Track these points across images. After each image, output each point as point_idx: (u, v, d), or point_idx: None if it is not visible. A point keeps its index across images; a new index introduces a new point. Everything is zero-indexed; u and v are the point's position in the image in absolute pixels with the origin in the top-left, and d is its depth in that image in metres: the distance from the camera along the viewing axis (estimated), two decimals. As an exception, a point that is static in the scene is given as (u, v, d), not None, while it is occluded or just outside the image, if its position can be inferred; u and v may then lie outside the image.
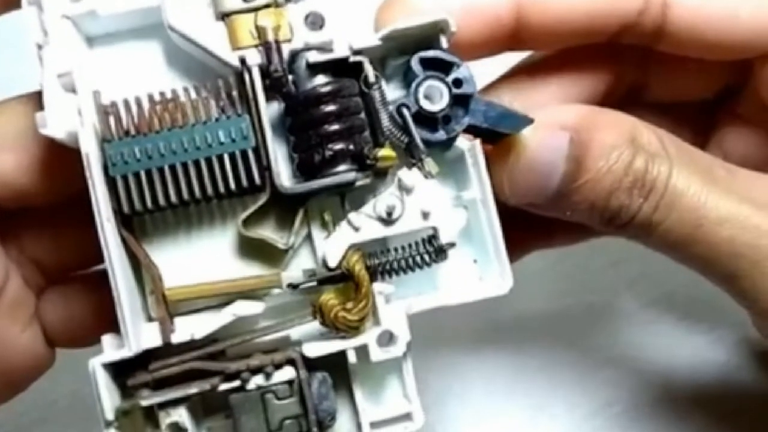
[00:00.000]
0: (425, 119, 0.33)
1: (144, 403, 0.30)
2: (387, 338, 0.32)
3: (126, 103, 0.31)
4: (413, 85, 0.32)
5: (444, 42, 0.33)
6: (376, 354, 0.32)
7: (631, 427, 0.46)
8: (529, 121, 0.33)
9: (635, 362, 0.47)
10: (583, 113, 0.33)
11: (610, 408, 0.46)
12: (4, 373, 0.35)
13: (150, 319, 0.32)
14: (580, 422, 0.46)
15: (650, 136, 0.33)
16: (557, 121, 0.33)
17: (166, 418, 0.30)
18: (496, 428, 0.46)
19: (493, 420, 0.46)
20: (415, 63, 0.32)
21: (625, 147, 0.32)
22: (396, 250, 0.33)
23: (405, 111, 0.33)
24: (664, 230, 0.32)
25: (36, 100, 0.33)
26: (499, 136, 0.33)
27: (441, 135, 0.33)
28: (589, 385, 0.47)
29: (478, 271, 0.34)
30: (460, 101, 0.33)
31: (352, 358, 0.32)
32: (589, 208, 0.33)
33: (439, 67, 0.32)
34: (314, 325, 0.33)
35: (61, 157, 0.32)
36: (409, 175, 0.32)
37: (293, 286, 0.32)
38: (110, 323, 0.32)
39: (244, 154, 0.31)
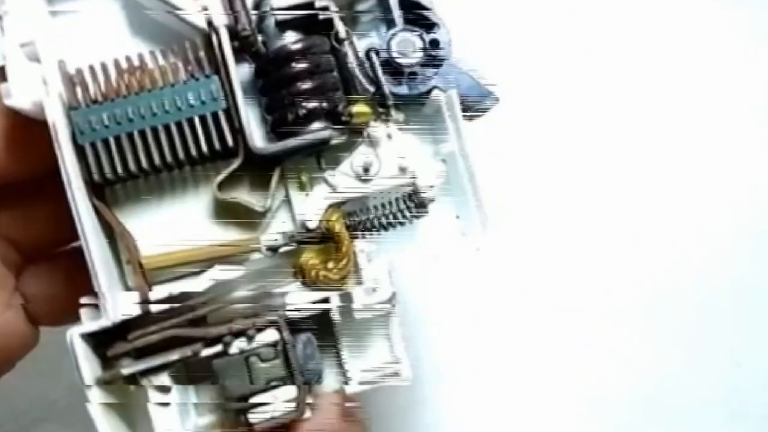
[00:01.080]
0: (393, 70, 0.33)
1: (125, 371, 0.30)
2: (370, 293, 0.32)
3: (92, 69, 0.31)
4: (389, 32, 0.32)
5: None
6: (359, 311, 0.32)
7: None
8: (495, 98, 0.33)
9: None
10: None
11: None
12: None
13: (128, 288, 0.32)
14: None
15: None
16: None
17: (149, 386, 0.30)
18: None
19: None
20: (396, 13, 0.32)
21: None
22: (376, 207, 0.33)
23: (374, 56, 0.32)
24: None
25: (-1, 73, 0.33)
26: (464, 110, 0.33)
27: (403, 89, 0.33)
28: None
29: (460, 226, 0.34)
30: (432, 62, 0.33)
31: (336, 316, 0.32)
32: None
33: (419, 23, 0.32)
34: (293, 288, 0.33)
35: (27, 131, 0.32)
36: (380, 129, 0.32)
37: (273, 250, 0.32)
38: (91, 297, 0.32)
39: (215, 116, 0.31)
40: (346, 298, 0.32)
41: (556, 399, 0.46)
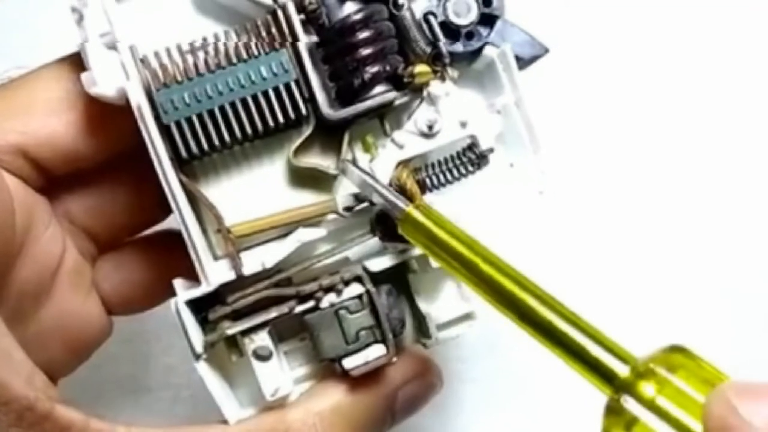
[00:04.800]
0: (449, 31, 0.36)
1: (229, 332, 0.33)
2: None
3: (168, 51, 0.34)
4: None
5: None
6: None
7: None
8: (546, 50, 0.36)
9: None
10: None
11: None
12: (71, 344, 0.38)
13: (215, 258, 0.35)
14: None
15: None
16: None
17: (251, 344, 0.34)
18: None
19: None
20: None
21: None
22: (439, 163, 0.37)
23: (432, 18, 0.36)
24: None
25: (72, 62, 0.36)
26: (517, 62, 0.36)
27: (458, 47, 0.37)
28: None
29: (515, 173, 0.38)
30: (487, 20, 0.36)
31: (415, 266, 0.36)
32: None
33: (473, -17, 0.36)
34: (370, 245, 0.37)
35: (105, 116, 0.35)
36: (439, 87, 0.36)
37: (348, 209, 0.36)
38: (166, 284, 0.35)
39: (287, 87, 0.34)
40: (422, 259, 0.36)
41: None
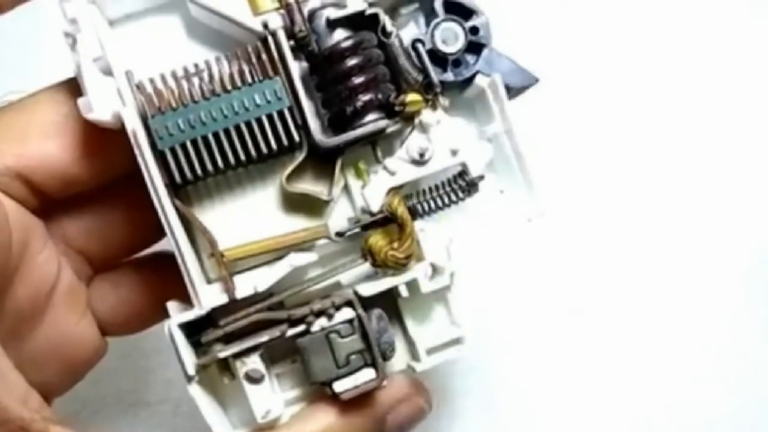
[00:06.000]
0: (437, 59, 0.37)
1: (221, 355, 0.34)
2: (432, 271, 0.37)
3: (162, 77, 0.35)
4: (431, 24, 0.37)
5: (452, -14, 0.37)
6: (426, 286, 0.37)
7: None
8: (535, 79, 0.37)
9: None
10: None
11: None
12: (65, 365, 0.39)
13: (208, 281, 0.36)
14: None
15: None
16: None
17: (243, 367, 0.35)
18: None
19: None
20: (438, 4, 0.37)
21: None
22: (429, 189, 0.38)
23: (420, 46, 0.37)
24: None
25: (68, 87, 0.37)
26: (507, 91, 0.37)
27: (449, 76, 0.38)
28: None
29: (505, 200, 0.39)
30: (474, 48, 0.37)
31: (404, 292, 0.37)
32: None
33: (460, 13, 0.37)
34: (361, 269, 0.37)
35: (102, 140, 0.36)
36: (430, 115, 0.37)
37: (340, 234, 0.37)
38: (160, 306, 0.36)
39: (281, 114, 0.35)
40: (411, 284, 0.37)
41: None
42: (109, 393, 0.47)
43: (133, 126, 0.34)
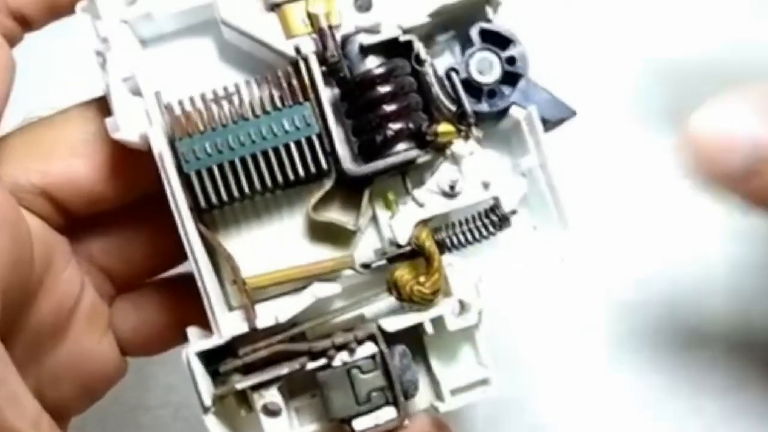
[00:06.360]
0: (471, 89, 0.36)
1: (239, 386, 0.33)
2: (460, 308, 0.36)
3: (191, 100, 0.34)
4: (467, 52, 0.36)
5: (490, 13, 0.36)
6: (452, 323, 0.35)
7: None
8: (573, 112, 0.36)
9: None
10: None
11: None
12: (84, 384, 0.39)
13: (230, 308, 0.36)
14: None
15: None
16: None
17: (260, 400, 0.34)
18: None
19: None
20: (474, 33, 0.36)
21: None
22: (459, 223, 0.37)
23: (454, 75, 0.36)
24: None
25: (98, 105, 0.36)
26: (543, 124, 0.36)
27: (484, 107, 0.37)
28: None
29: (538, 237, 0.38)
30: (510, 79, 0.36)
31: (429, 329, 0.35)
32: None
33: (497, 42, 0.36)
34: (386, 303, 0.36)
35: (129, 160, 0.35)
36: (462, 146, 0.36)
37: (366, 266, 0.36)
38: (182, 327, 0.36)
39: (309, 141, 0.34)
40: (437, 321, 0.36)
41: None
42: (109, 397, 0.47)
43: (160, 148, 0.34)
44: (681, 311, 0.50)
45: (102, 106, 0.36)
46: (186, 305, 0.38)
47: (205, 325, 0.35)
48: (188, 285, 0.37)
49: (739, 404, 0.48)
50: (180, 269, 0.41)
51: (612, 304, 0.50)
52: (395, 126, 0.35)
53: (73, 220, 0.37)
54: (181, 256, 0.39)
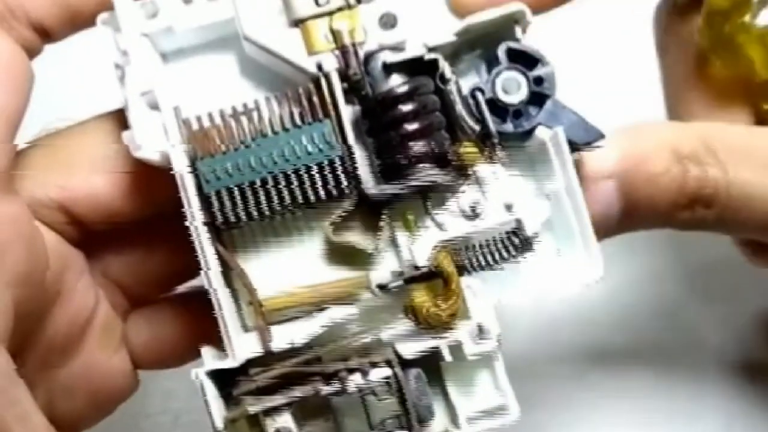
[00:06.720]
0: (497, 109, 0.36)
1: (252, 410, 0.33)
2: (478, 332, 0.35)
3: (210, 116, 0.34)
4: (493, 71, 0.35)
5: (519, 32, 0.35)
6: (470, 349, 0.35)
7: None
8: (601, 135, 0.35)
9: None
10: (624, 151, 0.36)
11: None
12: (96, 398, 0.39)
13: (245, 329, 0.35)
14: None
15: (693, 142, 0.36)
16: (599, 171, 0.36)
17: (273, 424, 0.33)
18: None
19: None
20: (501, 52, 0.35)
21: (672, 167, 0.36)
22: (480, 245, 0.36)
23: (479, 95, 0.35)
24: (735, 228, 0.36)
25: (116, 118, 0.36)
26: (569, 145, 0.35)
27: (509, 127, 0.36)
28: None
29: (562, 262, 0.37)
30: (536, 99, 0.35)
31: (447, 356, 0.35)
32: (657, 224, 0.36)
33: (524, 61, 0.35)
34: (403, 326, 0.36)
35: (147, 176, 0.35)
36: (485, 167, 0.35)
37: (382, 287, 0.35)
38: (196, 342, 0.35)
39: (331, 162, 0.34)
40: (456, 347, 0.35)
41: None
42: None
43: (180, 168, 0.33)
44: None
45: (120, 118, 0.35)
46: (200, 320, 0.38)
47: (219, 341, 0.34)
48: (202, 300, 0.37)
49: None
50: (194, 283, 0.40)
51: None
52: (417, 146, 0.34)
53: (89, 234, 0.37)
54: (197, 272, 0.39)
